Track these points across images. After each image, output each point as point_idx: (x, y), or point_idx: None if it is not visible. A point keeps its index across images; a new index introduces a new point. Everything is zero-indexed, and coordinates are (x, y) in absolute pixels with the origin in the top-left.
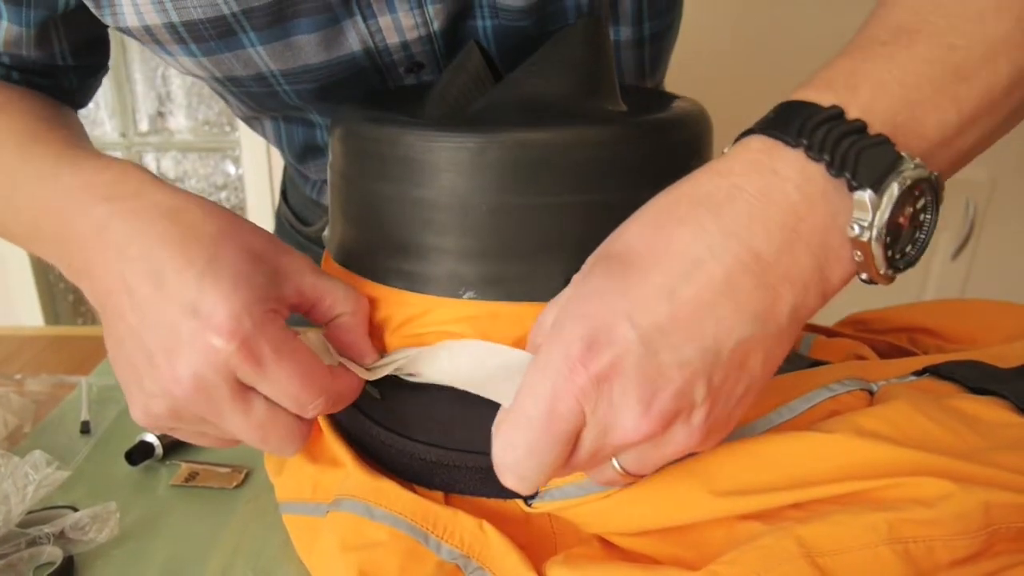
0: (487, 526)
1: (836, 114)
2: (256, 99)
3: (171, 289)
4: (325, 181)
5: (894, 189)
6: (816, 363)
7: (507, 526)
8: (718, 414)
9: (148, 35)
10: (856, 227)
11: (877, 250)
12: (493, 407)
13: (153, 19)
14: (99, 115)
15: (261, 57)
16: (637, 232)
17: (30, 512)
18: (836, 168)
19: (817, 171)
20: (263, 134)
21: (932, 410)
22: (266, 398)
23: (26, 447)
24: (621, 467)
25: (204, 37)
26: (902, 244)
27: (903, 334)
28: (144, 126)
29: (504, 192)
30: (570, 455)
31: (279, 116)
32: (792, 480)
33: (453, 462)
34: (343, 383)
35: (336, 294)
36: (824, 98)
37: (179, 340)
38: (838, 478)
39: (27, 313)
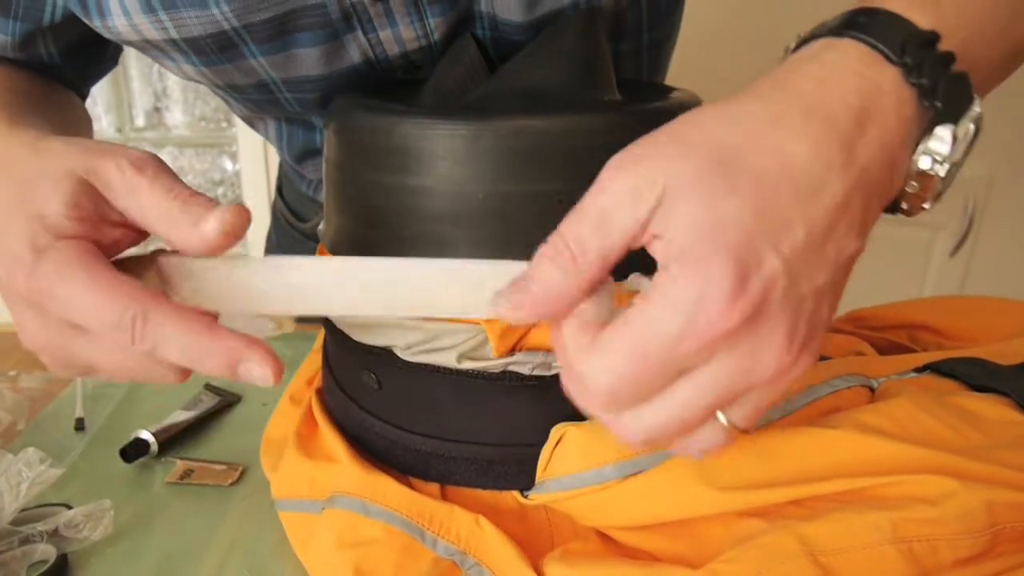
0: (483, 521)
1: (933, 39)
2: (257, 104)
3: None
4: (322, 180)
5: (970, 128)
6: None
7: (503, 520)
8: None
9: (149, 45)
10: (929, 159)
11: (939, 184)
12: (491, 397)
13: (153, 36)
14: (95, 110)
15: (262, 66)
16: (747, 136)
17: (23, 510)
18: (929, 96)
19: (910, 94)
20: (264, 134)
21: (934, 407)
22: None
23: (20, 444)
24: (729, 421)
25: (205, 51)
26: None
27: (903, 331)
28: (140, 121)
29: (499, 180)
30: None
31: (281, 117)
32: (794, 475)
33: (449, 453)
34: (205, 332)
35: (160, 208)
36: (914, 15)
37: (5, 289)
38: (840, 474)
39: None
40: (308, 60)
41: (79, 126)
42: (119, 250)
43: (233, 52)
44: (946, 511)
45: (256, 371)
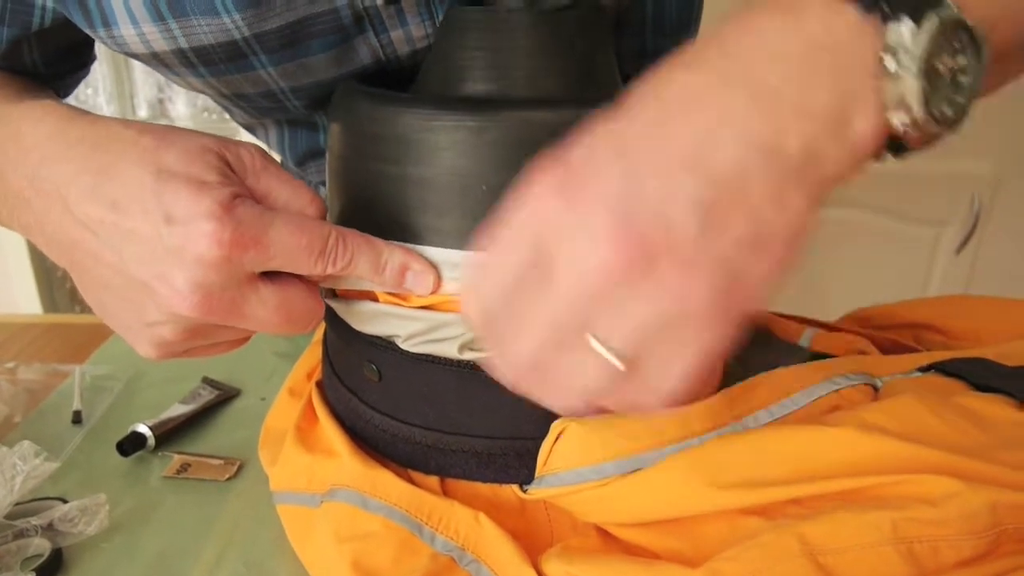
0: (483, 517)
1: None
2: (262, 111)
3: (134, 212)
4: (321, 182)
5: (934, 22)
6: (818, 356)
7: (502, 515)
8: (719, 259)
9: (155, 60)
10: (891, 60)
11: (913, 84)
12: (490, 390)
13: (161, 46)
14: (97, 100)
15: (271, 76)
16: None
17: (18, 503)
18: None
19: (846, 4)
20: (265, 140)
21: (938, 407)
22: (269, 281)
23: (16, 437)
24: (604, 344)
25: (214, 61)
26: (939, 96)
27: (907, 330)
28: (143, 112)
29: (504, 172)
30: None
31: (283, 120)
32: (794, 474)
33: (448, 446)
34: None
35: (281, 193)
36: None
37: (167, 256)
38: (841, 473)
39: (25, 301)
40: (318, 65)
41: None
42: None
43: (242, 62)
44: (948, 511)
45: (421, 280)
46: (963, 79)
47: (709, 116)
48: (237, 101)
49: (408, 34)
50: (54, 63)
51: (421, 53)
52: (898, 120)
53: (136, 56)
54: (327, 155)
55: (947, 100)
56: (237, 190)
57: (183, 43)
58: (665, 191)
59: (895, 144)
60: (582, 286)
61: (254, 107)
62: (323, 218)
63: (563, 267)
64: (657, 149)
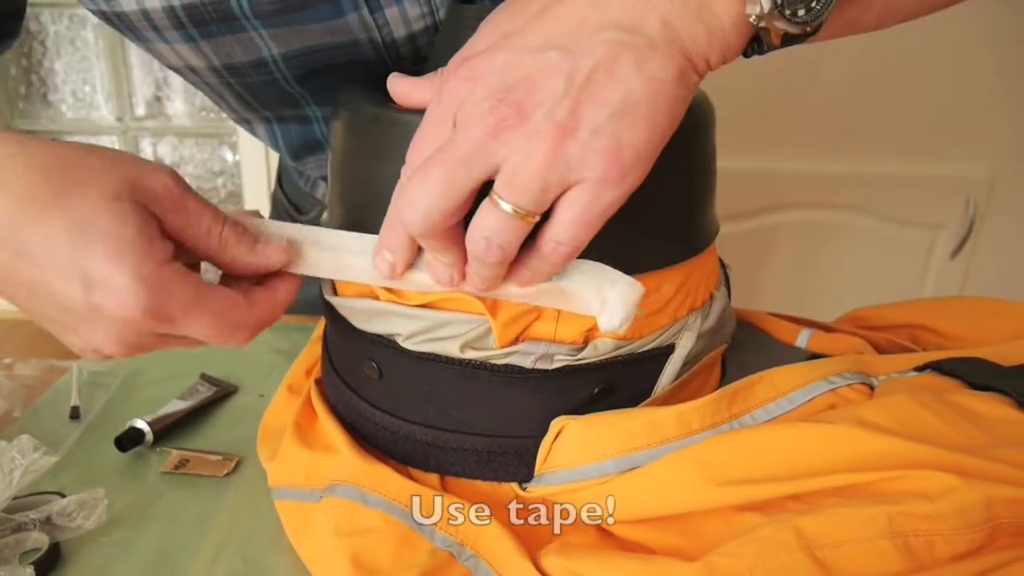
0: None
1: None
2: (253, 91)
3: (49, 266)
4: (321, 177)
5: None
6: (815, 356)
7: (502, 512)
8: (591, 118)
9: (145, 20)
10: None
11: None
12: (493, 388)
13: (152, 2)
14: (95, 99)
15: (263, 39)
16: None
17: (16, 497)
18: None
19: None
20: (260, 136)
21: (934, 404)
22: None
23: (14, 431)
24: (506, 199)
25: (205, 20)
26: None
27: (904, 331)
28: (141, 111)
29: None
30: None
31: (272, 117)
32: (792, 471)
33: (449, 444)
34: (264, 306)
35: (201, 223)
36: None
37: (84, 319)
38: (839, 469)
39: None
40: (310, 35)
41: None
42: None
43: (234, 23)
44: (944, 506)
45: None
46: None
47: (580, 3)
48: (227, 77)
49: (404, 13)
50: None
51: (419, 38)
52: (752, 12)
53: (125, 17)
54: (329, 153)
55: (803, 3)
56: (160, 253)
57: None
58: (538, 64)
59: (761, 41)
60: (472, 138)
61: (244, 84)
62: (245, 232)
63: (459, 127)
64: (535, 33)
